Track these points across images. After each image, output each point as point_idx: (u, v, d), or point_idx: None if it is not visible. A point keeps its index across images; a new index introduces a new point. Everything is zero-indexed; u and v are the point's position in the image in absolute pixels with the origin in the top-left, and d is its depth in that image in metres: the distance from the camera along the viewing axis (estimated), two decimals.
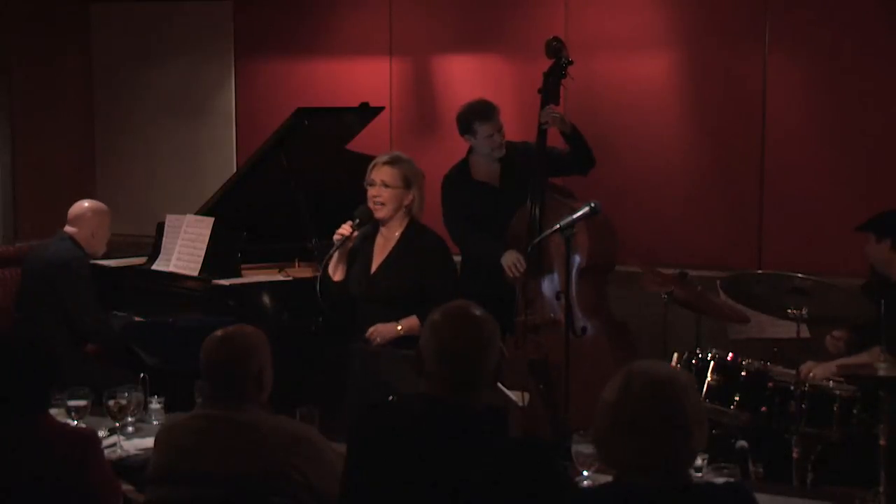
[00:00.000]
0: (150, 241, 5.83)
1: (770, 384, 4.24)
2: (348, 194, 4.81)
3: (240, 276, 5.32)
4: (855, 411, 4.09)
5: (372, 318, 4.43)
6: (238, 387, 2.98)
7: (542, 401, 4.71)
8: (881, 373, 3.71)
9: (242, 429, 2.94)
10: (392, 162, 4.46)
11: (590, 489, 2.94)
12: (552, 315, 4.88)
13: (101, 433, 3.53)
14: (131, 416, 3.74)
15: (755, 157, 5.71)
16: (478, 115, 5.16)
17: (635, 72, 5.93)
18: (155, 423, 3.81)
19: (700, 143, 5.84)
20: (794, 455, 3.94)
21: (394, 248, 4.45)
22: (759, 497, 2.46)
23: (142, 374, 3.99)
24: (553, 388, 4.72)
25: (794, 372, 4.10)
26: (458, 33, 6.37)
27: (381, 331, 4.38)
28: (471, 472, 2.50)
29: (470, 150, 5.30)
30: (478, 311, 2.69)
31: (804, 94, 5.62)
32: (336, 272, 4.50)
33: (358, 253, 4.52)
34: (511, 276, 4.98)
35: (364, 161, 4.66)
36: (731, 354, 4.37)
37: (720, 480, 3.01)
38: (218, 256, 5.33)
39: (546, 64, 5.08)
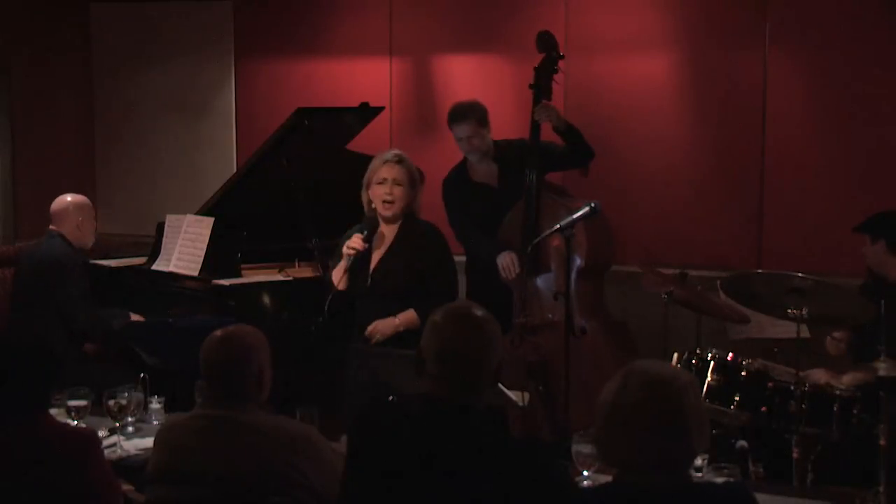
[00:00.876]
0: (150, 241, 5.83)
1: (770, 384, 4.23)
2: (348, 194, 4.81)
3: (240, 276, 5.32)
4: (855, 411, 4.08)
5: (372, 313, 4.45)
6: (238, 387, 2.99)
7: (540, 402, 4.71)
8: (881, 373, 3.71)
9: (242, 429, 2.94)
10: (400, 161, 4.50)
11: (590, 489, 2.94)
12: (550, 316, 4.88)
13: (101, 433, 3.53)
14: (131, 416, 3.73)
15: (755, 157, 5.71)
16: (450, 116, 5.21)
17: (635, 72, 5.93)
18: (155, 423, 3.81)
19: (700, 143, 5.84)
20: (794, 455, 3.93)
21: (392, 243, 4.47)
22: (759, 497, 2.46)
23: (142, 374, 3.99)
24: (551, 388, 4.72)
25: (793, 370, 4.09)
26: (457, 33, 6.37)
27: (381, 328, 4.40)
28: (471, 472, 2.50)
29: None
30: (479, 312, 2.69)
31: (804, 93, 5.62)
32: (341, 282, 4.48)
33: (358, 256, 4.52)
34: (504, 276, 4.98)
35: (364, 161, 4.66)
36: (731, 354, 4.36)
37: (720, 480, 3.01)
38: (218, 256, 5.33)
39: (540, 59, 5.08)
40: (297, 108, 5.39)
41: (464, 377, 2.61)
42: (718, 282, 4.55)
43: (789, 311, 4.00)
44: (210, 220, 5.42)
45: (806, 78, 5.61)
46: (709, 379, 4.31)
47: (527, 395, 4.05)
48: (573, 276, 4.60)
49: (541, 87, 5.03)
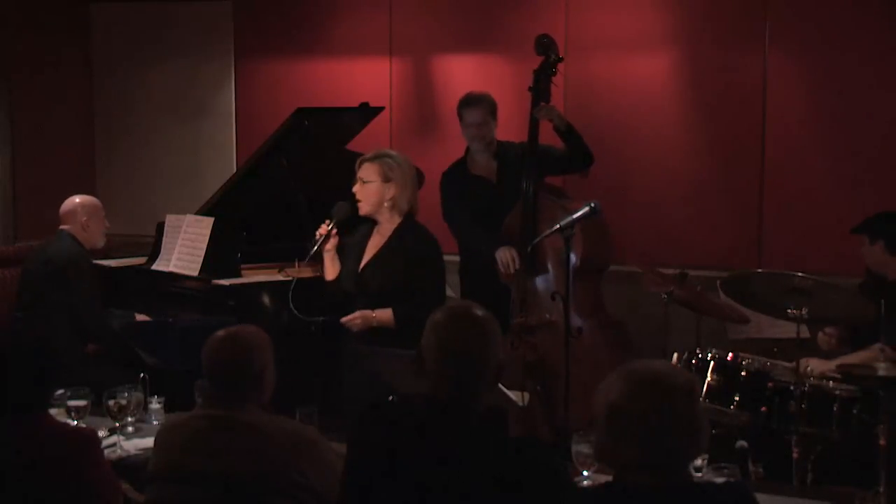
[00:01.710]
0: (150, 241, 5.83)
1: (770, 384, 4.24)
2: (348, 194, 4.80)
3: (240, 276, 5.32)
4: (855, 411, 4.08)
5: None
6: (239, 387, 2.98)
7: (538, 402, 4.71)
8: (881, 373, 3.71)
9: (243, 429, 2.94)
10: (372, 158, 4.48)
11: (590, 489, 2.94)
12: (547, 316, 4.88)
13: (101, 433, 3.53)
14: (131, 416, 3.73)
15: (755, 158, 5.71)
16: (463, 101, 5.24)
17: (635, 72, 5.93)
18: (155, 423, 3.81)
19: (700, 143, 5.84)
20: (794, 455, 3.93)
21: (384, 244, 4.46)
22: (759, 497, 2.46)
23: (142, 374, 3.99)
24: (549, 388, 4.72)
25: (793, 367, 4.10)
26: (457, 33, 6.37)
27: (360, 320, 4.41)
28: (471, 472, 2.50)
29: (469, 147, 5.33)
30: (480, 311, 2.70)
31: (804, 93, 5.62)
32: (329, 271, 4.52)
33: (353, 250, 4.54)
34: (503, 272, 4.98)
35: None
36: (731, 354, 4.37)
37: (720, 480, 3.01)
38: (218, 256, 5.33)
39: (539, 62, 5.08)
40: (297, 108, 5.39)
41: (464, 376, 2.62)
42: (718, 282, 4.55)
43: (789, 311, 4.00)
44: (210, 220, 5.42)
45: (806, 78, 5.61)
46: (709, 379, 4.31)
47: (527, 395, 4.05)
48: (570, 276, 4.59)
49: (539, 89, 5.04)
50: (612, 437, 2.30)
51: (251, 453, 2.91)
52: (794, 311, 3.98)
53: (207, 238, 5.37)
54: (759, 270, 5.27)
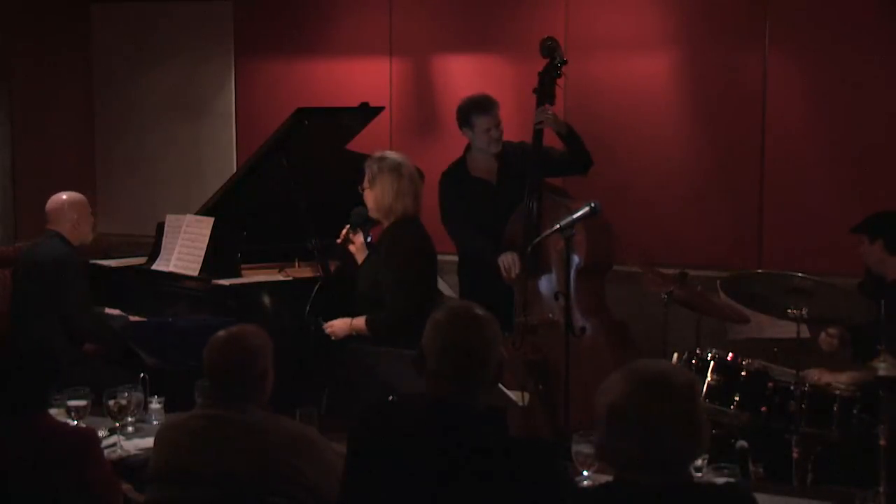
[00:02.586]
0: (150, 241, 5.83)
1: (770, 384, 4.23)
2: (348, 194, 4.81)
3: (240, 276, 5.32)
4: (855, 411, 4.08)
5: (355, 314, 4.53)
6: (240, 388, 2.98)
7: (540, 401, 4.71)
8: (881, 373, 3.71)
9: (243, 429, 2.94)
10: (367, 163, 4.57)
11: (590, 488, 2.94)
12: (550, 316, 4.88)
13: (101, 433, 3.53)
14: (131, 416, 3.74)
15: (755, 157, 5.71)
16: (477, 107, 5.18)
17: (635, 72, 5.93)
18: (155, 423, 3.81)
19: (700, 143, 5.84)
20: (794, 455, 3.93)
21: (374, 247, 4.55)
22: (759, 497, 2.46)
23: (142, 374, 3.99)
24: (551, 388, 4.72)
25: (793, 371, 4.09)
26: (458, 33, 6.37)
27: (336, 327, 4.55)
28: (471, 471, 2.50)
29: (468, 148, 5.31)
30: (480, 311, 2.70)
31: (804, 93, 5.62)
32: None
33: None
34: (505, 276, 4.98)
35: (364, 161, 4.67)
36: (731, 354, 4.36)
37: (720, 480, 3.01)
38: (218, 256, 5.34)
39: (543, 64, 5.08)
40: (297, 108, 5.39)
41: (465, 375, 2.62)
42: (718, 282, 4.55)
43: (789, 311, 4.00)
44: (210, 220, 5.42)
45: (806, 78, 5.61)
46: (709, 379, 4.31)
47: (527, 395, 4.05)
48: (573, 275, 4.60)
49: (544, 92, 5.04)
50: (613, 437, 2.30)
51: (251, 453, 2.91)
52: (794, 311, 3.98)
53: (207, 238, 5.37)
54: (759, 270, 5.27)
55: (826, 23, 5.54)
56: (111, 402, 3.67)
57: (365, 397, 4.11)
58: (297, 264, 5.56)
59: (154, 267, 5.59)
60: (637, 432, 2.27)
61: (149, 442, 3.45)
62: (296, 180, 5.40)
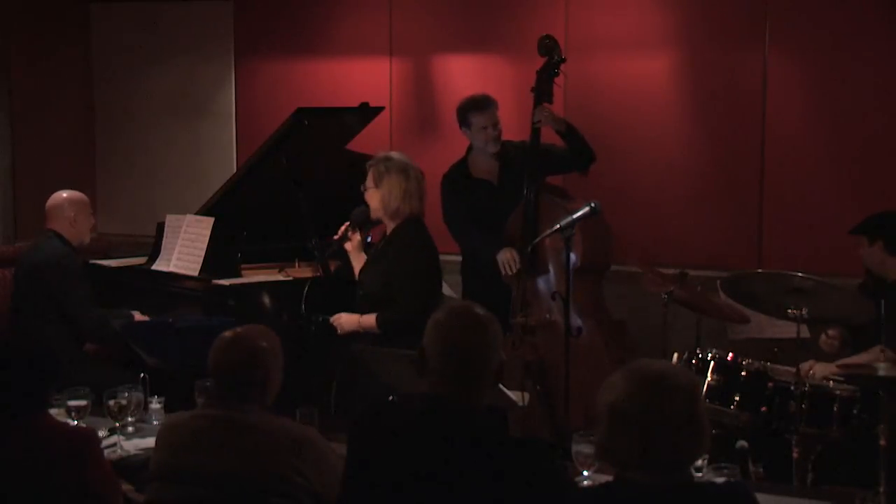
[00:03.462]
0: (150, 241, 5.83)
1: (770, 384, 4.24)
2: (348, 194, 4.81)
3: (240, 276, 5.32)
4: (855, 411, 4.09)
5: (358, 312, 4.55)
6: (244, 389, 2.98)
7: (538, 402, 4.71)
8: (881, 373, 3.71)
9: (244, 430, 2.94)
10: (372, 163, 4.60)
11: (590, 488, 2.94)
12: (548, 316, 4.88)
13: (101, 433, 3.53)
14: (131, 416, 3.73)
15: (755, 157, 5.71)
16: (474, 105, 5.19)
17: (635, 72, 5.93)
18: (155, 423, 3.81)
19: (700, 143, 5.84)
20: (794, 455, 3.94)
21: (380, 246, 4.56)
22: (759, 497, 2.46)
23: (142, 374, 3.99)
24: (550, 389, 4.72)
25: (794, 370, 4.10)
26: (458, 33, 6.37)
27: (343, 321, 4.58)
28: (471, 472, 2.50)
29: (469, 149, 5.31)
30: (481, 311, 2.71)
31: (804, 94, 5.62)
32: (355, 269, 4.72)
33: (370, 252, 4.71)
34: (504, 273, 4.98)
35: (364, 161, 4.68)
36: (731, 354, 4.37)
37: (720, 480, 3.01)
38: (218, 256, 5.33)
39: (542, 63, 5.08)
40: (297, 108, 5.39)
41: (466, 375, 2.62)
42: (718, 282, 4.55)
43: (789, 311, 4.00)
44: (210, 220, 5.41)
45: (806, 78, 5.61)
46: (709, 379, 4.32)
47: (527, 396, 4.06)
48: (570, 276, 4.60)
49: (542, 90, 5.04)
50: (614, 436, 2.30)
51: (251, 454, 2.91)
52: (794, 311, 3.98)
53: (207, 238, 5.37)
54: (759, 270, 5.27)
55: (826, 23, 5.54)
56: (111, 402, 3.67)
57: (365, 397, 4.11)
58: (297, 264, 5.56)
59: (154, 267, 5.59)
60: (638, 432, 2.27)
61: (149, 442, 3.45)
62: (296, 180, 5.40)
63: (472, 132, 5.19)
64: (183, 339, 4.50)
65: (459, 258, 5.42)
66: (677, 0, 5.84)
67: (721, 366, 4.33)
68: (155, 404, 3.92)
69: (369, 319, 4.51)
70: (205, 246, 5.36)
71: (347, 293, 4.73)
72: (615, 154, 5.77)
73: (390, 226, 4.59)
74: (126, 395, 3.70)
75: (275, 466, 2.89)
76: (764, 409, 4.21)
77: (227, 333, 3.04)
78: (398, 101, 6.53)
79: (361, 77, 6.56)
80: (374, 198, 4.55)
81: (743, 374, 4.30)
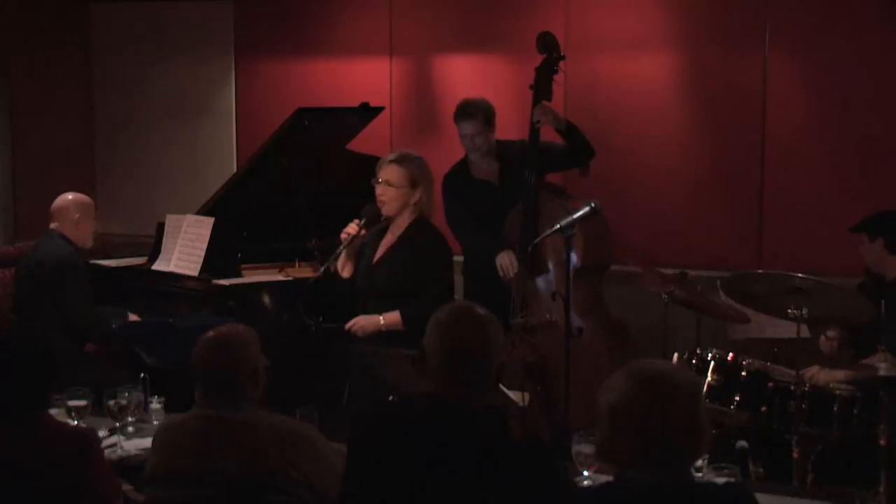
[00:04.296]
0: (150, 241, 5.83)
1: (770, 384, 4.24)
2: (348, 194, 4.81)
3: (240, 276, 5.32)
4: (855, 411, 4.08)
5: (369, 311, 4.51)
6: (234, 387, 2.98)
7: (538, 402, 4.71)
8: (881, 373, 3.71)
9: (241, 428, 2.94)
10: (399, 161, 4.55)
11: (590, 488, 2.94)
12: (548, 316, 4.87)
13: (101, 433, 3.53)
14: (131, 416, 3.73)
15: (755, 157, 5.71)
16: (456, 112, 5.19)
17: (635, 72, 5.93)
18: (155, 423, 3.81)
19: (700, 143, 5.84)
20: (794, 455, 3.94)
21: (394, 243, 4.53)
22: (759, 497, 2.46)
23: (142, 374, 3.99)
24: (549, 388, 4.71)
25: (794, 372, 4.10)
26: (458, 33, 6.37)
27: (363, 323, 4.49)
28: (471, 471, 2.50)
29: None
30: (482, 311, 2.71)
31: (804, 94, 5.62)
32: (345, 269, 4.60)
33: (366, 249, 4.62)
34: (503, 276, 4.98)
35: (364, 161, 4.69)
36: (731, 354, 4.36)
37: (720, 480, 3.01)
38: (218, 256, 5.34)
39: (541, 60, 5.08)
40: (297, 108, 5.40)
41: (467, 375, 2.62)
42: (718, 282, 4.55)
43: (789, 311, 4.00)
44: (210, 220, 5.42)
45: (806, 78, 5.61)
46: (709, 379, 4.31)
47: (527, 395, 4.05)
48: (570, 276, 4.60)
49: (541, 87, 5.03)
50: (615, 435, 2.30)
51: (248, 452, 2.91)
52: (794, 311, 3.98)
53: (207, 238, 5.37)
54: (759, 270, 5.27)
55: (826, 23, 5.54)
56: (111, 402, 3.67)
57: (365, 397, 4.11)
58: (297, 264, 5.56)
59: (154, 267, 5.59)
60: (638, 432, 2.27)
61: (149, 442, 3.44)
62: (296, 180, 5.40)
63: (459, 135, 5.21)
64: (183, 339, 4.49)
65: (460, 258, 5.41)
66: (677, 0, 5.84)
67: (721, 366, 4.33)
68: (155, 404, 3.92)
69: (393, 317, 4.47)
70: (205, 246, 5.36)
71: (347, 293, 4.71)
72: (615, 153, 5.77)
73: (400, 225, 4.57)
74: (126, 395, 3.70)
75: (271, 463, 2.89)
76: (764, 409, 4.21)
77: (209, 334, 3.04)
78: (398, 101, 6.53)
79: (361, 77, 6.56)
80: (407, 196, 4.52)
81: (743, 374, 4.30)
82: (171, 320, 5.09)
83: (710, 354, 4.36)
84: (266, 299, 5.18)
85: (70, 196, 5.23)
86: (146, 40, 7.27)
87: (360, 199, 4.66)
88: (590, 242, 4.86)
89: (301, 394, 4.22)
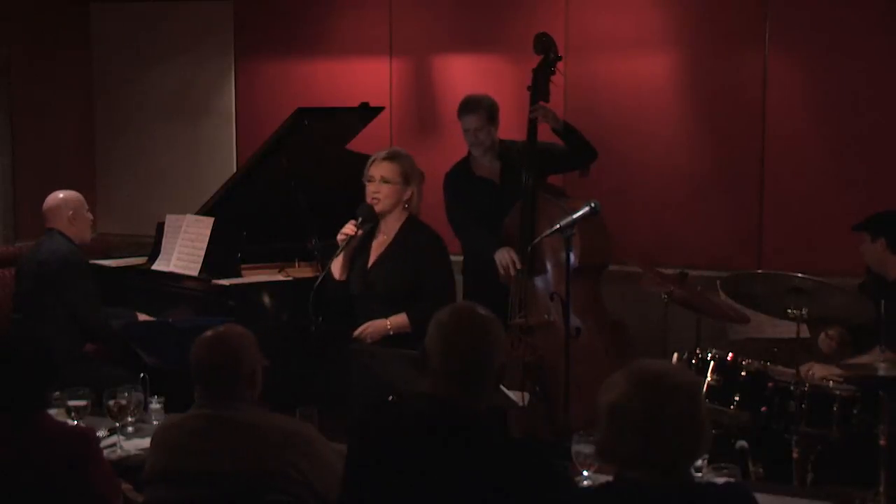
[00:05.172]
0: (150, 241, 5.83)
1: (770, 384, 4.23)
2: (348, 194, 4.81)
3: (240, 276, 5.31)
4: (855, 411, 4.08)
5: (369, 314, 4.48)
6: (231, 387, 2.99)
7: (537, 402, 4.70)
8: (881, 373, 3.71)
9: (239, 428, 2.94)
10: (391, 157, 4.51)
11: (590, 488, 2.94)
12: (546, 316, 4.87)
13: (100, 433, 3.53)
14: (131, 416, 3.73)
15: (755, 158, 5.71)
16: (460, 107, 5.19)
17: (635, 72, 5.93)
18: (155, 423, 3.81)
19: (700, 143, 5.84)
20: (794, 455, 3.93)
21: (390, 244, 4.50)
22: (759, 497, 2.46)
23: (142, 374, 3.99)
24: (548, 389, 4.71)
25: (794, 371, 4.09)
26: (458, 33, 6.37)
27: (371, 330, 4.43)
28: (471, 472, 2.50)
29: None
30: (484, 312, 2.71)
31: (804, 94, 5.62)
32: (338, 271, 4.55)
33: (357, 250, 4.57)
34: (502, 274, 4.98)
35: (364, 161, 4.68)
36: (731, 354, 4.36)
37: (720, 480, 3.01)
38: (218, 256, 5.33)
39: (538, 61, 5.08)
40: (297, 108, 5.39)
41: (468, 376, 2.62)
42: (718, 282, 4.54)
43: (789, 311, 4.00)
44: (210, 220, 5.42)
45: (806, 78, 5.61)
46: (709, 379, 4.31)
47: (527, 396, 4.05)
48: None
49: (538, 88, 5.03)
50: (615, 435, 2.30)
51: (247, 452, 2.91)
52: (794, 311, 3.98)
53: (207, 238, 5.37)
54: (759, 270, 5.27)
55: (826, 23, 5.54)
56: (111, 402, 3.67)
57: (365, 397, 4.11)
58: (297, 264, 5.56)
59: (154, 267, 5.59)
60: (639, 432, 2.27)
61: (149, 442, 3.44)
62: (296, 180, 5.40)
63: (462, 131, 5.20)
64: (183, 339, 4.50)
65: (460, 258, 5.41)
66: (677, 0, 5.84)
67: (721, 366, 4.32)
68: (155, 404, 3.92)
69: (400, 320, 4.43)
70: (205, 246, 5.36)
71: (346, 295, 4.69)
72: (615, 154, 5.76)
73: (396, 221, 4.54)
74: (126, 395, 3.70)
75: (270, 462, 2.90)
76: (764, 409, 4.21)
77: (205, 334, 3.04)
78: (398, 101, 6.53)
79: (361, 77, 6.57)
80: (399, 194, 4.47)
81: (743, 374, 4.30)
82: (171, 320, 5.09)
83: (709, 354, 4.36)
84: (266, 299, 5.18)
85: (60, 194, 5.23)
86: (146, 40, 7.27)
87: (360, 199, 4.66)
88: (588, 243, 4.86)
89: (301, 394, 4.22)
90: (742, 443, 4.13)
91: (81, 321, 5.04)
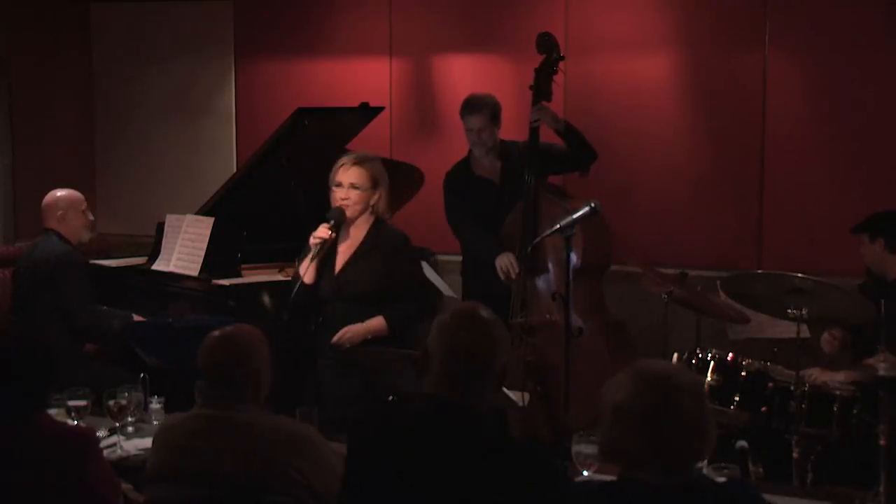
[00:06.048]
0: (150, 241, 5.83)
1: (770, 384, 4.24)
2: None
3: (240, 276, 5.31)
4: (855, 411, 4.09)
5: (340, 318, 4.34)
6: (237, 387, 2.99)
7: (538, 402, 4.70)
8: (881, 373, 3.71)
9: (241, 428, 2.94)
10: (360, 162, 4.41)
11: (595, 484, 2.93)
12: (548, 316, 4.87)
13: (100, 433, 3.53)
14: (131, 416, 3.74)
15: (755, 157, 5.72)
16: (462, 106, 5.18)
17: (635, 72, 5.94)
18: (155, 423, 3.81)
19: (700, 143, 5.84)
20: (794, 455, 3.94)
21: (359, 247, 4.39)
22: None
23: (142, 374, 3.99)
24: (549, 389, 4.71)
25: (793, 372, 4.09)
26: (458, 33, 6.37)
27: (350, 336, 4.31)
28: (471, 472, 2.50)
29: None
30: (486, 313, 2.70)
31: (804, 94, 5.62)
32: (310, 276, 4.43)
33: (325, 254, 4.46)
34: (503, 278, 4.97)
35: None
36: (731, 354, 4.37)
37: (720, 480, 3.00)
38: (218, 256, 5.33)
39: (540, 61, 5.08)
40: (297, 108, 5.39)
41: (470, 377, 2.62)
42: (718, 282, 4.55)
43: (789, 311, 4.00)
44: (210, 220, 5.41)
45: (806, 78, 5.62)
46: (709, 379, 4.32)
47: (527, 396, 4.05)
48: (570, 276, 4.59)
49: (540, 88, 5.03)
50: (619, 435, 2.30)
51: (248, 452, 2.91)
52: (794, 311, 3.98)
53: (207, 238, 5.37)
54: (759, 270, 5.27)
55: (826, 23, 5.54)
56: (111, 402, 3.67)
57: (365, 397, 4.10)
58: (297, 264, 5.54)
59: (154, 267, 5.59)
60: (643, 432, 2.27)
61: (149, 442, 3.44)
62: (296, 180, 5.39)
63: (465, 131, 5.19)
64: (183, 339, 4.50)
65: (459, 258, 5.41)
66: (677, 0, 5.84)
67: (721, 366, 4.33)
68: (155, 404, 3.92)
69: (377, 323, 4.32)
70: (205, 246, 5.36)
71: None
72: (615, 154, 5.77)
73: (364, 224, 4.47)
74: (126, 395, 3.70)
75: (271, 464, 2.90)
76: (764, 409, 4.22)
77: (215, 334, 3.04)
78: (398, 101, 6.53)
79: (361, 77, 6.57)
80: (369, 197, 4.41)
81: (743, 374, 4.30)
82: (171, 320, 5.09)
83: (710, 354, 4.36)
84: (266, 299, 5.17)
85: (57, 193, 5.22)
86: (146, 40, 7.27)
87: None
88: (589, 242, 4.86)
89: (301, 394, 4.22)
90: (742, 443, 4.13)
91: (69, 319, 5.03)
